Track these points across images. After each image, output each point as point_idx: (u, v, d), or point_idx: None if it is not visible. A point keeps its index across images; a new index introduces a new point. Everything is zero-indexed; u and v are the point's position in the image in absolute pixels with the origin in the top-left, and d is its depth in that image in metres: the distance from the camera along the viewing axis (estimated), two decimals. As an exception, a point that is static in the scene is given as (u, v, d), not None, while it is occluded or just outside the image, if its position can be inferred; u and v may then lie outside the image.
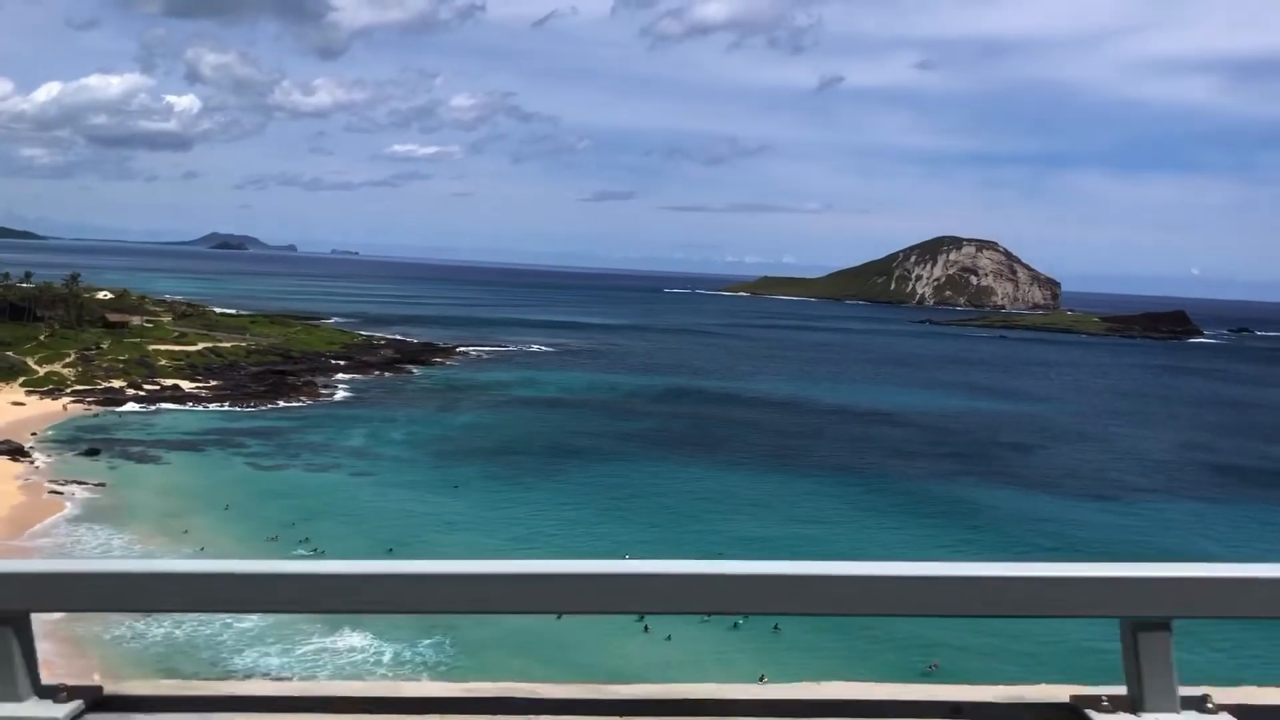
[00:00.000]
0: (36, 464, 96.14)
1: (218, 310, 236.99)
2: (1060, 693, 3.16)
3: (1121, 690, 3.07)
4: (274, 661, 55.56)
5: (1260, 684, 3.27)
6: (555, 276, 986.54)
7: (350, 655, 57.44)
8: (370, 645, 58.30)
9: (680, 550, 77.20)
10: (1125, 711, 3.07)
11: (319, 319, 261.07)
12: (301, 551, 72.71)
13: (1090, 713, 3.08)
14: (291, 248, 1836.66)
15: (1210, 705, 3.09)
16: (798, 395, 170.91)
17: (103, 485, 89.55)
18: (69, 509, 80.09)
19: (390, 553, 73.61)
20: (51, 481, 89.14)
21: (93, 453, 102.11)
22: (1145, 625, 2.96)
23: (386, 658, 57.71)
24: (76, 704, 3.44)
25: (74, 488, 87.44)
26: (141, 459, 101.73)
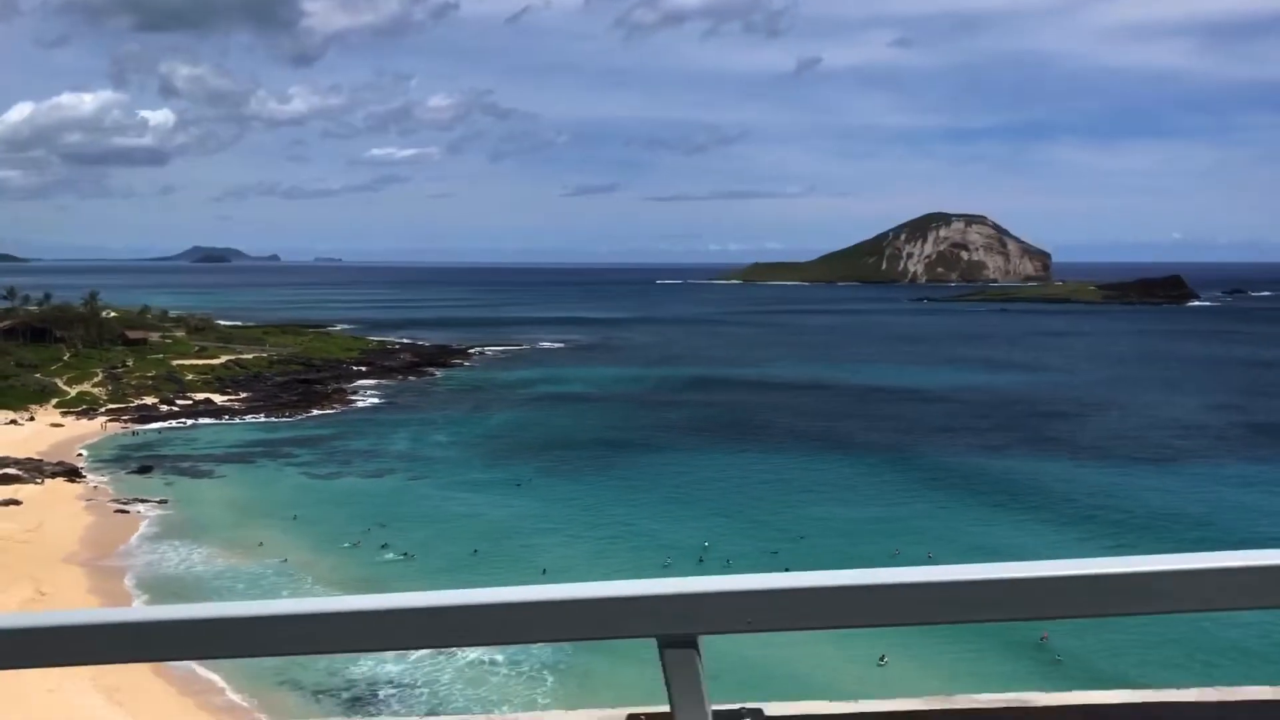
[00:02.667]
0: (94, 484, 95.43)
1: (224, 323, 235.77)
2: (618, 714, 3.13)
3: (665, 709, 2.98)
4: (391, 670, 55.20)
5: (803, 697, 3.18)
6: (542, 273, 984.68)
7: (464, 655, 57.15)
8: (483, 649, 57.98)
9: (767, 536, 77.24)
10: None
11: (325, 327, 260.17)
12: (391, 556, 72.55)
13: None
14: (274, 257, 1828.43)
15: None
16: (822, 378, 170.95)
17: (165, 502, 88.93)
18: (144, 528, 79.46)
19: (475, 554, 73.51)
20: (114, 501, 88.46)
21: (145, 470, 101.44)
22: (672, 643, 2.86)
23: (500, 659, 57.47)
24: None
25: (138, 506, 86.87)
26: (195, 474, 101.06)
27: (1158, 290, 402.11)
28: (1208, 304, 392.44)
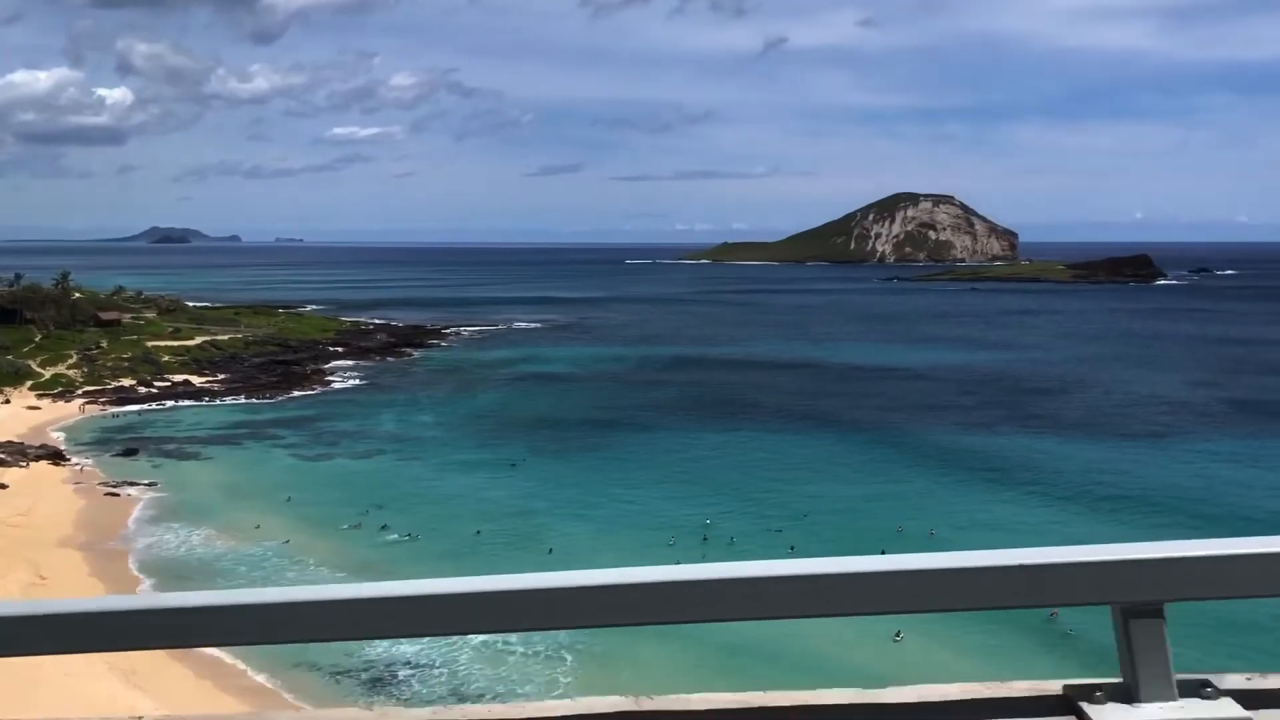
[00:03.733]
0: (80, 467, 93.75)
1: (193, 304, 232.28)
2: (1054, 685, 3.02)
3: (1117, 680, 2.94)
4: (408, 650, 54.59)
5: (1265, 669, 3.06)
6: (508, 253, 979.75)
7: (478, 635, 56.65)
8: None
9: (767, 514, 77.19)
10: (1120, 701, 2.93)
11: (295, 307, 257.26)
12: (394, 537, 71.78)
13: (1083, 705, 2.94)
14: (235, 238, 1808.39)
15: (1209, 691, 2.93)
16: (804, 357, 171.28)
17: (154, 485, 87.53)
18: (139, 511, 78.15)
19: (478, 535, 72.93)
20: (102, 484, 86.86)
21: (130, 453, 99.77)
22: (1137, 610, 2.83)
23: (514, 639, 56.92)
24: None
25: (128, 489, 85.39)
26: (181, 456, 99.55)
27: (1126, 269, 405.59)
28: (1175, 283, 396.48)
